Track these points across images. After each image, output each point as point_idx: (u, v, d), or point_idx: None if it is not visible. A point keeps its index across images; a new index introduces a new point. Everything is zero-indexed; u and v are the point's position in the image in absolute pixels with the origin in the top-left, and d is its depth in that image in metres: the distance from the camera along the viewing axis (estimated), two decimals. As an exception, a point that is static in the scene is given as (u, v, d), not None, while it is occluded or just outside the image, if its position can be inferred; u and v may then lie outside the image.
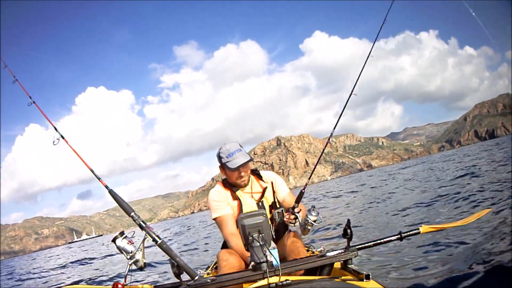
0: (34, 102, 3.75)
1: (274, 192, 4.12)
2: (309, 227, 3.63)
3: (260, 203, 4.03)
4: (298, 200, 3.82)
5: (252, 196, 4.08)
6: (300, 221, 3.65)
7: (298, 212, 3.66)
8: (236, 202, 4.02)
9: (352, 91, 4.18)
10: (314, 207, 3.63)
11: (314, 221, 3.60)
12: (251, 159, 3.99)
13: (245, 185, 4.09)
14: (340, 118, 4.10)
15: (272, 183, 4.16)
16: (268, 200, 4.08)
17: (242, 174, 3.97)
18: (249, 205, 3.99)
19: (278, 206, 4.03)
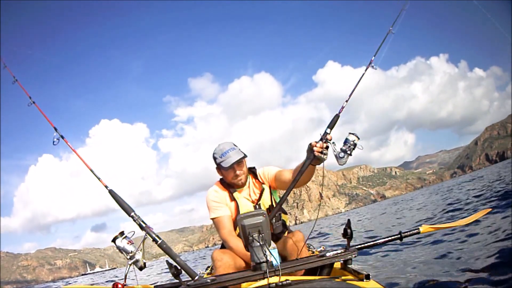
0: (34, 102, 3.78)
1: (271, 194, 4.03)
2: (348, 153, 3.41)
3: (257, 206, 3.93)
4: (331, 126, 3.60)
5: (250, 197, 4.01)
6: (334, 149, 3.44)
7: (331, 140, 3.47)
8: (233, 203, 3.95)
9: (342, 108, 3.82)
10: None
11: (355, 145, 3.40)
12: (245, 156, 3.92)
13: (243, 185, 4.01)
14: (340, 115, 3.75)
15: (269, 184, 4.06)
16: (265, 203, 3.97)
17: (238, 172, 3.90)
18: (246, 207, 3.89)
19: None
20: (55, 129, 3.62)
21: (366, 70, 3.92)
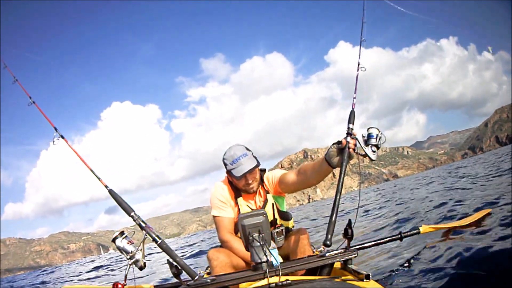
0: (34, 102, 3.78)
1: (274, 206, 3.93)
2: (380, 147, 3.41)
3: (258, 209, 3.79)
4: (352, 121, 3.56)
5: (255, 205, 3.93)
6: (361, 144, 3.40)
7: (356, 136, 3.43)
8: (236, 208, 3.89)
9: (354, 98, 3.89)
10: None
11: (380, 138, 3.39)
12: (258, 164, 3.78)
13: (254, 193, 3.90)
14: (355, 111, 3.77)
15: (274, 190, 3.96)
16: (268, 214, 3.86)
17: (250, 181, 3.77)
18: None
19: (278, 223, 3.90)
20: (55, 129, 3.61)
21: (357, 72, 4.08)
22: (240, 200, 3.90)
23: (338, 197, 3.27)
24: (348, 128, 3.51)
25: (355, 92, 3.87)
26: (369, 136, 3.40)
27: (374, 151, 3.38)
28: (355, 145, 3.39)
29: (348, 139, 3.38)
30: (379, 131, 3.39)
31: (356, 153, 3.38)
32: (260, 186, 3.95)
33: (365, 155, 3.41)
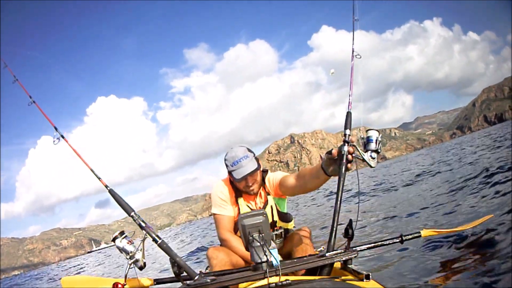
0: (34, 102, 3.77)
1: (273, 208, 3.91)
2: (380, 152, 3.24)
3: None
4: (348, 126, 3.40)
5: (255, 206, 3.91)
6: (360, 150, 3.23)
7: (353, 142, 3.24)
8: (236, 208, 3.89)
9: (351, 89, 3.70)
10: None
11: (379, 142, 3.24)
12: (259, 167, 3.77)
13: (255, 194, 3.89)
14: (351, 112, 3.56)
15: (274, 192, 3.92)
16: (270, 216, 3.85)
17: (250, 183, 3.77)
18: None
19: (277, 226, 3.90)
20: (55, 129, 3.60)
21: (352, 60, 3.84)
22: (240, 200, 3.89)
23: (338, 205, 3.22)
24: (345, 134, 3.31)
25: (350, 89, 3.65)
26: (368, 140, 3.26)
27: (373, 158, 3.22)
28: (353, 153, 3.22)
29: (345, 148, 3.19)
30: (379, 134, 3.27)
31: (355, 157, 3.22)
32: (261, 187, 3.94)
33: (363, 161, 3.25)
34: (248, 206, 3.88)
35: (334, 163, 3.24)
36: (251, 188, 3.79)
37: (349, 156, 3.16)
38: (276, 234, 3.78)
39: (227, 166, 3.79)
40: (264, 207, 3.88)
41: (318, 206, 20.97)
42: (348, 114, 3.47)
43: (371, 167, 3.21)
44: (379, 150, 3.22)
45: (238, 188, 3.88)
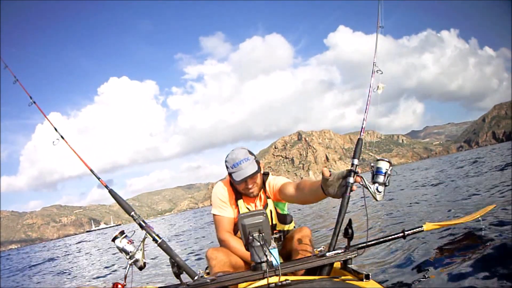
0: (34, 102, 3.79)
1: (272, 211, 3.91)
2: (387, 185, 3.06)
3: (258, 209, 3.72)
4: (358, 155, 3.24)
5: (255, 209, 3.88)
6: (367, 182, 3.06)
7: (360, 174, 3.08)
8: (236, 210, 3.90)
9: (369, 94, 3.54)
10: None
11: (389, 175, 3.04)
12: (259, 170, 3.77)
13: (254, 197, 3.89)
14: (365, 116, 3.45)
15: (273, 197, 3.92)
16: (270, 219, 3.78)
17: (249, 186, 3.76)
18: None
19: (277, 229, 3.91)
20: (55, 129, 3.63)
21: (372, 76, 3.63)
22: (240, 202, 3.90)
23: (344, 208, 3.17)
24: (352, 164, 3.17)
25: (365, 111, 3.49)
26: (377, 171, 3.08)
27: (380, 191, 3.04)
28: (360, 181, 3.08)
29: (351, 179, 3.07)
30: (390, 166, 3.07)
31: (362, 185, 3.09)
32: (261, 190, 3.95)
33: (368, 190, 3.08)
34: (248, 208, 3.89)
35: (332, 185, 3.11)
36: (250, 191, 3.79)
37: (353, 189, 3.09)
38: (275, 238, 3.78)
39: (227, 167, 3.78)
40: (265, 207, 3.89)
41: (320, 205, 20.96)
42: (359, 142, 3.34)
43: (376, 200, 3.07)
44: (387, 184, 3.07)
45: (238, 190, 3.88)
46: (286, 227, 3.99)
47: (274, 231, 3.88)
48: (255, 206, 3.93)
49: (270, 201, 3.93)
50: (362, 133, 3.38)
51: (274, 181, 3.95)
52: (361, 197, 3.13)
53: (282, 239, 3.87)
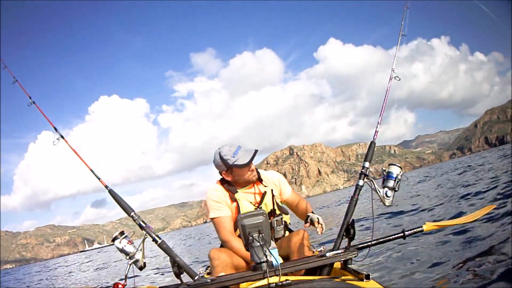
0: (34, 102, 3.77)
1: (273, 197, 3.95)
2: (397, 190, 3.14)
3: (258, 209, 3.79)
4: (370, 157, 3.31)
5: (254, 199, 3.93)
6: (377, 186, 3.13)
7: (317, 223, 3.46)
8: (234, 204, 3.88)
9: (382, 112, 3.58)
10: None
11: (399, 181, 3.10)
12: (257, 150, 3.84)
13: (255, 181, 3.94)
14: (379, 120, 3.50)
15: (274, 186, 4.02)
16: (267, 206, 3.90)
17: (252, 167, 3.85)
18: (247, 209, 3.78)
19: (277, 213, 3.92)
20: (55, 129, 3.61)
21: (389, 82, 3.73)
22: (237, 194, 3.90)
23: (348, 219, 3.21)
24: (363, 166, 3.22)
25: (380, 115, 3.52)
26: (388, 175, 3.13)
27: (389, 196, 3.10)
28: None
29: (361, 182, 3.20)
30: (401, 171, 3.12)
31: (372, 188, 3.14)
32: (257, 182, 4.01)
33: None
34: (247, 199, 3.91)
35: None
36: (254, 173, 3.89)
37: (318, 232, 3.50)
38: (277, 220, 3.79)
39: (227, 160, 3.79)
40: (263, 196, 3.92)
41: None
42: (372, 145, 3.38)
43: (384, 205, 3.13)
44: (397, 189, 3.12)
45: (243, 180, 3.89)
46: (284, 217, 3.99)
47: (276, 214, 3.91)
48: (254, 195, 3.95)
49: (268, 189, 3.97)
50: (375, 136, 3.41)
51: (280, 182, 4.12)
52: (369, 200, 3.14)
53: (283, 223, 3.89)
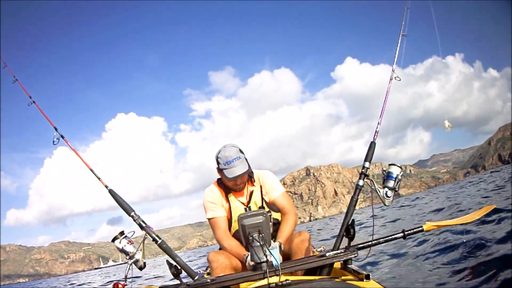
0: (34, 102, 3.79)
1: (262, 195, 4.04)
2: (397, 190, 3.16)
3: (247, 208, 3.96)
4: (370, 158, 3.34)
5: (246, 199, 4.02)
6: (377, 186, 3.16)
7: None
8: (227, 205, 4.00)
9: (379, 121, 3.54)
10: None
11: (399, 181, 3.12)
12: (249, 170, 3.89)
13: (240, 191, 4.02)
14: (379, 120, 3.49)
15: (261, 186, 4.07)
16: (256, 204, 4.00)
17: (238, 183, 3.91)
18: (237, 210, 3.93)
19: (266, 210, 3.96)
20: (55, 129, 3.63)
21: (390, 83, 3.73)
22: (230, 196, 4.01)
23: (348, 219, 3.20)
24: (363, 166, 3.25)
25: (380, 116, 3.54)
26: (388, 175, 3.15)
27: (389, 196, 3.13)
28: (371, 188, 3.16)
29: (361, 182, 3.19)
30: (401, 171, 3.15)
31: (372, 188, 3.17)
32: (248, 182, 4.08)
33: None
34: (239, 200, 4.01)
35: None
36: (238, 187, 3.96)
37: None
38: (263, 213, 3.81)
39: (219, 163, 3.90)
40: (250, 196, 4.02)
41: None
42: (372, 145, 3.40)
43: (385, 205, 3.15)
44: (397, 189, 3.14)
45: (226, 185, 4.01)
46: (274, 214, 4.05)
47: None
48: (245, 196, 4.04)
49: (256, 189, 4.06)
50: (375, 137, 3.43)
51: (267, 182, 4.11)
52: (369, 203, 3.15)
53: (272, 220, 3.87)
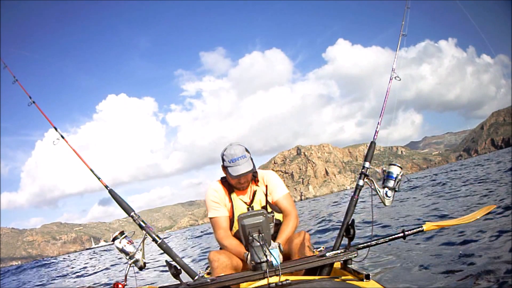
0: (34, 102, 3.78)
1: (266, 196, 4.06)
2: (397, 190, 3.16)
3: (249, 208, 3.99)
4: (370, 157, 3.33)
5: (249, 199, 4.05)
6: (377, 186, 3.14)
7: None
8: (230, 204, 4.02)
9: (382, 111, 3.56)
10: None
11: (399, 181, 3.12)
12: (253, 170, 3.92)
13: (244, 189, 4.04)
14: (379, 120, 3.50)
15: (266, 186, 4.09)
16: (260, 203, 4.02)
17: (242, 181, 3.93)
18: (240, 209, 3.95)
19: (269, 210, 3.99)
20: (55, 129, 3.63)
21: (390, 82, 3.72)
22: (233, 195, 4.04)
23: (348, 219, 3.20)
24: (363, 166, 3.24)
25: (380, 116, 3.53)
26: (388, 175, 3.14)
27: (389, 196, 3.12)
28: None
29: (361, 181, 3.20)
30: (401, 170, 3.14)
31: (372, 188, 3.16)
32: (252, 181, 4.09)
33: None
34: (241, 199, 4.03)
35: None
36: (241, 186, 3.98)
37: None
38: (268, 217, 3.82)
39: (224, 161, 3.92)
40: (254, 195, 4.04)
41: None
42: (372, 145, 3.41)
43: (385, 205, 3.14)
44: (397, 189, 3.13)
45: (230, 183, 4.03)
46: (276, 215, 4.06)
47: (267, 211, 3.94)
48: (248, 195, 4.07)
49: (259, 189, 4.08)
50: (375, 137, 3.43)
51: (271, 183, 4.12)
52: (369, 202, 3.14)
53: (274, 220, 3.99)
